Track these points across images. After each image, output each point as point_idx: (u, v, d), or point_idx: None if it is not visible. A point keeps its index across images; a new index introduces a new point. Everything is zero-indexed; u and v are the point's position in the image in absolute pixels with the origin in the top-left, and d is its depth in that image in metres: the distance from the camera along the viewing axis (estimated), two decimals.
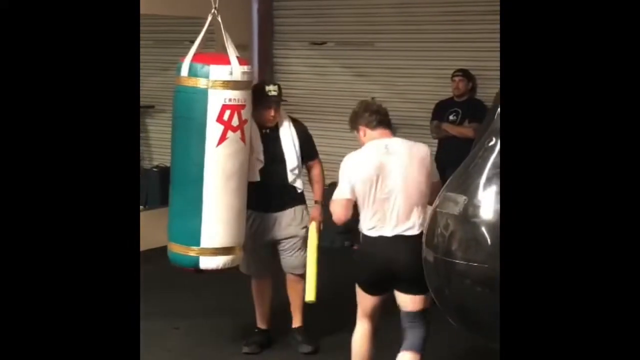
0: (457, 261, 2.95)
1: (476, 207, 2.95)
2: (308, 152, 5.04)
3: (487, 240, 2.91)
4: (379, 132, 4.17)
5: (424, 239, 3.30)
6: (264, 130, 4.86)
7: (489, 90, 6.90)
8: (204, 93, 4.37)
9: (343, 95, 8.25)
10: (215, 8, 4.51)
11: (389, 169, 4.01)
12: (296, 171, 4.95)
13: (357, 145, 8.70)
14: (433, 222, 3.12)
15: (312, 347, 5.12)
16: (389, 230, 3.99)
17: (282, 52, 8.63)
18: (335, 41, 8.35)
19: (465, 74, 7.01)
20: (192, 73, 4.39)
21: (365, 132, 4.21)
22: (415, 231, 3.95)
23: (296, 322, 5.17)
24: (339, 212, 4.11)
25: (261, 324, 5.19)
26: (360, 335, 4.22)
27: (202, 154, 4.41)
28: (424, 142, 8.03)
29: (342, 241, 7.83)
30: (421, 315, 4.03)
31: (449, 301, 3.13)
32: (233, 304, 5.49)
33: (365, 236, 4.09)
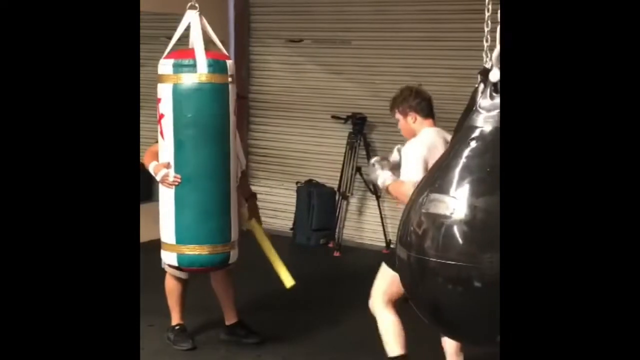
0: (429, 259, 2.95)
1: (450, 204, 2.94)
2: None
3: (459, 238, 2.90)
4: (429, 121, 4.35)
5: (397, 236, 3.29)
6: None
7: (465, 89, 6.90)
8: None
9: (319, 93, 8.25)
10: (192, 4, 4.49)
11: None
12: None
13: (333, 143, 8.65)
14: (406, 220, 3.11)
15: (259, 338, 5.19)
16: None
17: (259, 49, 8.61)
18: (311, 39, 8.35)
19: None
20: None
21: (415, 119, 4.35)
22: None
23: (232, 318, 5.23)
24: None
25: (181, 320, 5.23)
26: None
27: None
28: (400, 142, 8.04)
29: (318, 239, 7.83)
30: None
31: (422, 299, 3.13)
32: (205, 302, 5.46)
33: None
